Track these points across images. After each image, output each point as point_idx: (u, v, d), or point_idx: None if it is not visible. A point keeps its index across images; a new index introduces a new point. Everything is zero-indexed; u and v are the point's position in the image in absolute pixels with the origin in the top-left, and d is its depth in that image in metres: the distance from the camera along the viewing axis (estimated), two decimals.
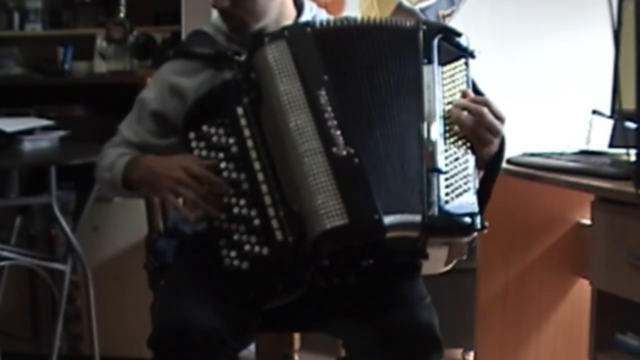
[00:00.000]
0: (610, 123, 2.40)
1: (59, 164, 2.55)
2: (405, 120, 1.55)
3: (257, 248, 1.55)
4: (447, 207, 1.50)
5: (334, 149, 1.49)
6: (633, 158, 1.71)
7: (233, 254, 1.56)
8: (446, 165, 1.54)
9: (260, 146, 1.58)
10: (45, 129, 2.77)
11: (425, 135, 1.55)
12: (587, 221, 2.09)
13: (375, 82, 1.56)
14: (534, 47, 3.06)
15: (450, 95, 1.61)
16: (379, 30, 1.62)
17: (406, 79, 1.58)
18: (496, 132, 1.60)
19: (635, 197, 1.64)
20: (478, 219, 1.52)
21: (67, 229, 2.61)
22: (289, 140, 1.51)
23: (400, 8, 3.06)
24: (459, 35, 1.66)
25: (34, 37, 3.48)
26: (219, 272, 1.57)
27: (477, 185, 1.58)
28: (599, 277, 1.88)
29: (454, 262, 1.66)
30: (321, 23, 1.64)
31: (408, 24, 1.64)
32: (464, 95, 1.61)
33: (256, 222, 1.55)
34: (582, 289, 2.32)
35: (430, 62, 1.60)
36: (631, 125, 1.91)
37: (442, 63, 1.62)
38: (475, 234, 1.54)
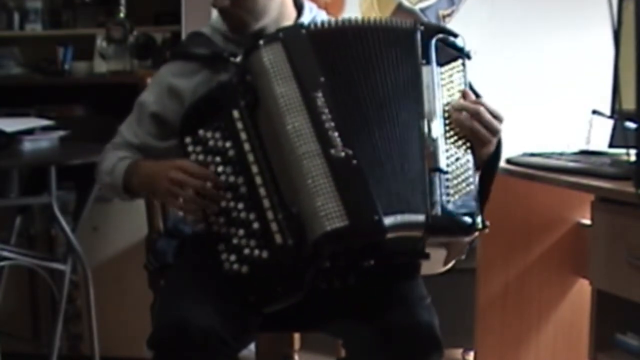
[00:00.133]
0: (610, 123, 2.40)
1: (59, 164, 2.55)
2: (405, 121, 1.56)
3: (256, 252, 1.55)
4: (449, 206, 1.51)
5: (332, 151, 1.48)
6: (633, 158, 1.71)
7: (232, 258, 1.56)
8: (448, 165, 1.54)
9: (258, 149, 1.57)
10: (45, 129, 2.77)
11: (427, 135, 1.55)
12: (587, 221, 2.09)
13: (372, 83, 1.56)
14: (534, 47, 3.06)
15: (449, 96, 1.61)
16: (376, 30, 1.62)
17: (405, 79, 1.59)
18: (495, 131, 1.60)
19: (635, 197, 1.64)
20: (479, 219, 1.53)
21: (67, 229, 2.61)
22: (286, 142, 1.51)
23: (400, 8, 3.06)
24: (456, 36, 1.67)
25: (34, 37, 3.48)
26: (218, 272, 1.57)
27: (477, 185, 1.58)
28: (599, 277, 1.88)
29: (453, 262, 1.66)
30: (316, 24, 1.64)
31: (406, 24, 1.64)
32: (464, 95, 1.61)
33: (255, 225, 1.55)
34: (582, 289, 2.32)
35: (428, 62, 1.61)
36: (631, 125, 1.91)
37: (440, 64, 1.62)
38: (477, 233, 1.54)
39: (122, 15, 3.32)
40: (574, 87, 3.03)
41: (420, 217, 1.48)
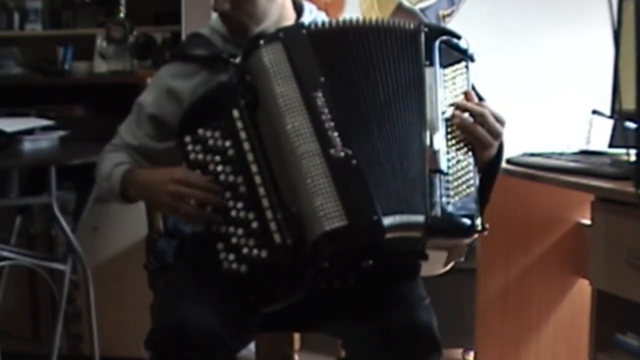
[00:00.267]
0: (610, 123, 2.40)
1: (59, 164, 2.55)
2: (405, 121, 1.55)
3: (255, 251, 1.54)
4: (449, 208, 1.51)
5: (332, 151, 1.48)
6: (633, 158, 1.71)
7: (231, 257, 1.56)
8: (448, 167, 1.54)
9: (257, 149, 1.57)
10: (45, 129, 2.77)
11: (428, 136, 1.55)
12: (587, 221, 2.09)
13: (373, 83, 1.56)
14: (534, 47, 3.06)
15: (452, 98, 1.61)
16: (377, 31, 1.61)
17: (407, 80, 1.58)
18: (497, 135, 1.60)
19: (635, 197, 1.64)
20: (479, 221, 1.53)
21: (67, 229, 2.61)
22: (286, 142, 1.51)
23: (400, 8, 3.06)
24: (459, 37, 1.66)
25: (34, 37, 3.48)
26: (218, 272, 1.57)
27: (477, 187, 1.58)
28: (599, 277, 1.88)
29: (452, 264, 1.66)
30: (316, 24, 1.63)
31: (409, 25, 1.64)
32: (467, 96, 1.61)
33: (254, 225, 1.55)
34: (582, 289, 2.32)
35: (432, 64, 1.61)
36: (631, 125, 1.91)
37: (443, 65, 1.62)
38: (476, 235, 1.54)
39: (122, 15, 3.32)
40: (574, 87, 3.03)
41: (420, 218, 1.48)
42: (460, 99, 1.61)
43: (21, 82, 3.38)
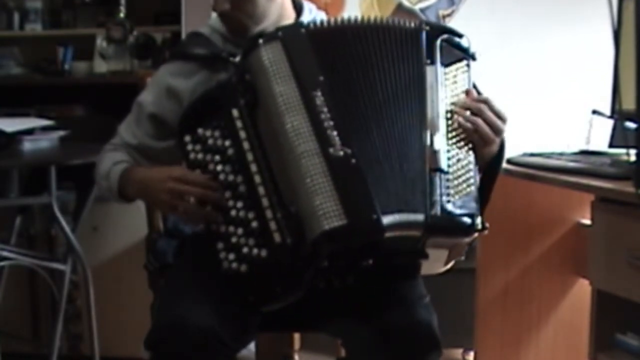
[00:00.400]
0: (610, 123, 2.40)
1: (59, 164, 2.55)
2: (406, 120, 1.55)
3: (255, 250, 1.54)
4: (449, 207, 1.50)
5: (331, 150, 1.48)
6: (633, 158, 1.71)
7: (231, 256, 1.56)
8: (449, 165, 1.54)
9: (257, 148, 1.57)
10: (45, 129, 2.77)
11: (428, 135, 1.55)
12: (587, 221, 2.09)
13: (372, 82, 1.56)
14: (534, 46, 3.06)
15: (453, 96, 1.61)
16: (376, 30, 1.61)
17: (408, 79, 1.58)
18: (498, 131, 1.60)
19: (635, 197, 1.64)
20: (479, 220, 1.52)
21: (67, 229, 2.61)
22: (285, 141, 1.51)
23: (400, 8, 3.06)
24: (461, 36, 1.66)
25: (34, 37, 3.48)
26: (218, 272, 1.57)
27: (478, 186, 1.58)
28: (599, 277, 1.88)
29: (453, 262, 1.66)
30: (315, 23, 1.63)
31: (411, 24, 1.64)
32: (468, 95, 1.61)
33: (254, 224, 1.55)
34: (582, 289, 2.32)
35: (433, 62, 1.60)
36: (631, 125, 1.91)
37: (445, 64, 1.62)
38: (476, 234, 1.54)
39: (122, 15, 3.32)
40: (574, 87, 3.03)
41: (419, 217, 1.48)
42: (462, 97, 1.61)
43: (21, 82, 3.38)
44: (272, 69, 1.55)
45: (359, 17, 1.63)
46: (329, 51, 1.59)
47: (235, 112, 1.60)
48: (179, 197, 1.60)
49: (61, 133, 2.78)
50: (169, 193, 1.61)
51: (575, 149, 2.27)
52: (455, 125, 1.58)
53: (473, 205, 1.53)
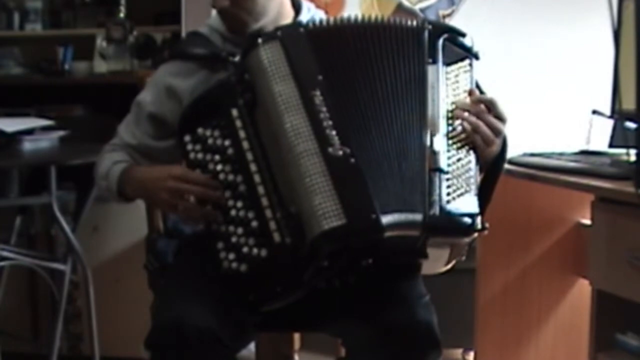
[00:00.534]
0: (610, 123, 2.40)
1: (59, 164, 2.55)
2: (406, 119, 1.55)
3: (255, 250, 1.54)
4: (449, 207, 1.50)
5: (330, 150, 1.48)
6: (633, 158, 1.71)
7: (231, 256, 1.56)
8: (448, 165, 1.54)
9: (257, 148, 1.58)
10: (45, 129, 2.77)
11: (429, 134, 1.55)
12: (587, 221, 2.09)
13: (372, 81, 1.56)
14: (534, 47, 3.06)
15: (454, 96, 1.61)
16: (376, 29, 1.61)
17: (408, 78, 1.58)
18: (497, 132, 1.60)
19: (635, 197, 1.64)
20: (479, 220, 1.52)
21: (67, 229, 2.61)
22: (284, 141, 1.51)
23: (400, 8, 3.06)
24: (464, 35, 1.66)
25: (34, 37, 3.48)
26: (217, 272, 1.57)
27: (478, 187, 1.58)
28: (599, 277, 1.88)
29: (453, 262, 1.66)
30: (314, 23, 1.64)
31: (412, 23, 1.64)
32: (470, 94, 1.61)
33: (254, 224, 1.55)
34: (582, 289, 2.32)
35: (434, 61, 1.60)
36: (631, 125, 1.91)
37: (447, 63, 1.62)
38: (476, 234, 1.54)
39: (122, 15, 3.32)
40: (574, 87, 3.03)
41: (418, 216, 1.48)
42: (463, 97, 1.61)
43: (21, 82, 3.38)
44: (271, 68, 1.55)
45: (359, 17, 1.63)
46: (328, 50, 1.59)
47: (234, 112, 1.60)
48: (179, 196, 1.60)
49: (61, 133, 2.78)
50: (169, 192, 1.61)
51: (575, 149, 2.27)
52: (456, 125, 1.58)
53: (473, 205, 1.53)
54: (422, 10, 3.06)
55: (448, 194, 1.51)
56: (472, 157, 1.58)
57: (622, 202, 1.75)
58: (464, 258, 1.65)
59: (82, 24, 3.46)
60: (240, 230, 1.56)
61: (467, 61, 1.65)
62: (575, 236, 2.42)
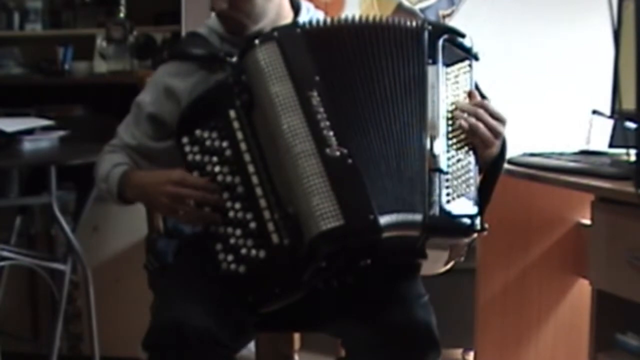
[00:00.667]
0: (610, 123, 2.40)
1: (59, 164, 2.55)
2: (405, 120, 1.55)
3: (253, 251, 1.55)
4: (448, 207, 1.50)
5: (327, 150, 1.48)
6: (633, 158, 1.71)
7: (230, 258, 1.56)
8: (448, 165, 1.54)
9: (254, 149, 1.58)
10: (45, 129, 2.77)
11: (428, 135, 1.54)
12: (587, 221, 2.08)
13: (370, 81, 1.56)
14: (534, 47, 3.06)
15: (454, 96, 1.60)
16: (374, 29, 1.61)
17: (408, 78, 1.58)
18: (497, 133, 1.60)
19: (635, 197, 1.64)
20: (478, 221, 1.52)
21: (67, 229, 2.61)
22: (282, 142, 1.51)
23: (400, 8, 3.06)
24: (463, 36, 1.66)
25: (34, 37, 3.47)
26: (216, 272, 1.57)
27: (478, 187, 1.58)
28: (599, 277, 1.88)
29: (452, 263, 1.66)
30: (311, 23, 1.64)
31: (412, 23, 1.64)
32: (470, 95, 1.61)
33: (252, 225, 1.55)
34: (582, 289, 2.32)
35: (434, 62, 1.60)
36: (631, 125, 1.91)
37: (447, 64, 1.62)
38: (475, 235, 1.54)
39: (122, 15, 3.32)
40: (574, 87, 3.03)
41: (417, 217, 1.48)
42: (463, 97, 1.61)
43: (21, 82, 3.38)
44: (268, 69, 1.55)
45: (357, 17, 1.63)
46: (325, 51, 1.59)
47: (232, 113, 1.60)
48: (179, 200, 1.60)
49: (61, 133, 2.78)
50: (169, 196, 1.61)
51: (575, 149, 2.27)
52: (456, 126, 1.58)
53: (472, 206, 1.53)
54: (422, 10, 3.06)
55: (448, 195, 1.51)
56: (471, 158, 1.58)
57: (622, 202, 1.75)
58: (462, 259, 1.65)
59: (82, 24, 3.46)
60: (238, 232, 1.56)
61: (466, 62, 1.65)
62: (575, 236, 2.42)
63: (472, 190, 1.55)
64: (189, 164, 1.62)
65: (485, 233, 1.54)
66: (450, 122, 1.58)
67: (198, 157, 1.62)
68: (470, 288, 2.46)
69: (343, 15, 1.65)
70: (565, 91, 3.04)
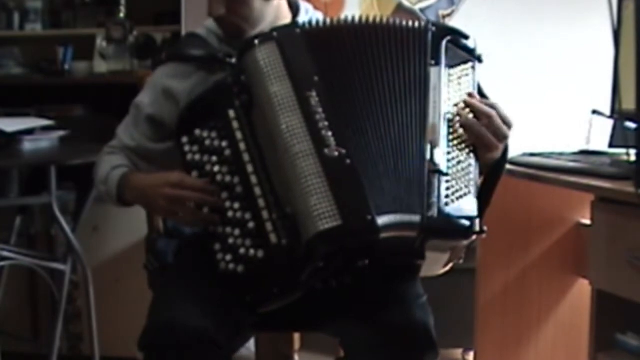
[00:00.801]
0: (610, 123, 2.40)
1: (59, 164, 2.55)
2: (405, 121, 1.55)
3: (252, 251, 1.55)
4: (447, 209, 1.50)
5: (326, 151, 1.48)
6: (633, 158, 1.71)
7: (228, 257, 1.56)
8: (448, 167, 1.53)
9: (253, 149, 1.58)
10: (45, 129, 2.77)
11: (429, 136, 1.54)
12: (587, 221, 2.08)
13: (369, 82, 1.56)
14: (534, 47, 3.06)
15: (456, 98, 1.60)
16: (375, 29, 1.61)
17: (409, 79, 1.58)
18: (503, 137, 1.59)
19: (635, 197, 1.64)
20: (477, 223, 1.52)
21: (67, 229, 2.61)
22: (281, 142, 1.51)
23: (400, 8, 3.06)
24: (467, 38, 1.66)
25: (34, 37, 3.47)
26: (214, 273, 1.57)
27: (478, 189, 1.57)
28: (599, 277, 1.88)
29: (451, 264, 1.65)
30: (310, 23, 1.63)
31: (415, 24, 1.63)
32: (470, 97, 1.60)
33: (250, 225, 1.55)
34: (582, 289, 2.32)
35: (437, 63, 1.60)
36: (631, 125, 1.91)
37: (450, 66, 1.61)
38: (474, 237, 1.53)
39: (122, 15, 3.32)
40: (574, 87, 3.03)
41: (415, 218, 1.48)
42: (465, 99, 1.60)
43: (21, 82, 3.38)
44: (267, 69, 1.56)
45: (356, 17, 1.63)
46: (324, 51, 1.59)
47: (231, 113, 1.61)
48: (177, 202, 1.60)
49: (61, 133, 2.78)
50: (167, 199, 1.62)
51: (575, 149, 2.27)
52: (457, 127, 1.57)
53: (472, 208, 1.53)
54: (422, 10, 3.06)
55: (447, 196, 1.51)
56: (472, 159, 1.57)
57: (622, 202, 1.75)
58: (462, 261, 1.65)
59: (82, 24, 3.46)
60: (237, 232, 1.56)
61: (470, 64, 1.65)
62: (575, 236, 2.42)
63: (472, 192, 1.54)
64: (188, 163, 1.63)
65: (484, 236, 1.53)
66: (451, 123, 1.57)
67: (197, 157, 1.62)
68: (470, 288, 2.46)
69: (343, 16, 1.65)
70: (565, 91, 3.04)
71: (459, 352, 2.90)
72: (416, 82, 1.58)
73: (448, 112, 1.58)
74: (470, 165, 1.57)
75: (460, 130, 1.57)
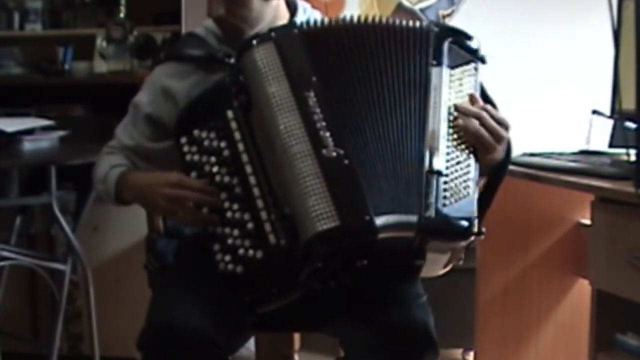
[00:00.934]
0: (610, 123, 2.40)
1: (59, 164, 2.55)
2: (404, 121, 1.55)
3: (251, 252, 1.55)
4: (445, 210, 1.50)
5: (324, 151, 1.48)
6: (633, 158, 1.71)
7: (227, 258, 1.56)
8: (447, 168, 1.53)
9: (252, 149, 1.58)
10: (45, 129, 2.77)
11: (428, 136, 1.54)
12: (587, 221, 2.08)
13: (367, 82, 1.56)
14: (534, 46, 3.06)
15: (458, 99, 1.59)
16: (374, 29, 1.61)
17: (409, 79, 1.58)
18: (499, 138, 1.59)
19: (635, 197, 1.64)
20: (475, 224, 1.51)
21: (67, 229, 2.61)
22: (279, 142, 1.51)
23: (400, 8, 3.06)
24: (470, 38, 1.65)
25: (34, 37, 3.47)
26: (213, 273, 1.57)
27: (478, 191, 1.57)
28: (599, 277, 1.88)
29: (450, 265, 1.65)
30: (308, 24, 1.63)
31: (417, 24, 1.63)
32: (472, 98, 1.60)
33: (249, 225, 1.55)
34: (582, 289, 2.32)
35: (439, 64, 1.59)
36: (631, 125, 1.90)
37: (451, 66, 1.61)
38: (472, 238, 1.53)
39: (122, 15, 3.31)
40: (574, 87, 3.03)
41: (413, 218, 1.48)
42: (466, 100, 1.60)
43: (21, 82, 3.38)
44: (265, 70, 1.56)
45: (355, 17, 1.62)
46: (322, 51, 1.59)
47: (230, 114, 1.61)
48: (176, 202, 1.60)
49: (61, 133, 2.79)
50: (166, 199, 1.62)
51: (575, 149, 2.27)
52: (457, 128, 1.57)
53: (470, 209, 1.52)
54: (422, 10, 3.06)
55: (445, 197, 1.50)
56: (471, 160, 1.57)
57: (622, 202, 1.75)
58: (461, 262, 1.64)
59: (82, 24, 3.46)
60: (236, 232, 1.56)
61: (472, 65, 1.64)
62: (575, 236, 2.42)
63: (471, 193, 1.54)
64: (187, 164, 1.63)
65: (482, 237, 1.53)
66: (451, 124, 1.57)
67: (196, 157, 1.62)
68: (470, 288, 2.46)
69: (342, 15, 1.64)
70: (565, 91, 3.04)
71: (459, 352, 2.90)
72: (416, 83, 1.57)
73: (448, 113, 1.57)
74: (469, 166, 1.56)
75: (460, 132, 1.57)
